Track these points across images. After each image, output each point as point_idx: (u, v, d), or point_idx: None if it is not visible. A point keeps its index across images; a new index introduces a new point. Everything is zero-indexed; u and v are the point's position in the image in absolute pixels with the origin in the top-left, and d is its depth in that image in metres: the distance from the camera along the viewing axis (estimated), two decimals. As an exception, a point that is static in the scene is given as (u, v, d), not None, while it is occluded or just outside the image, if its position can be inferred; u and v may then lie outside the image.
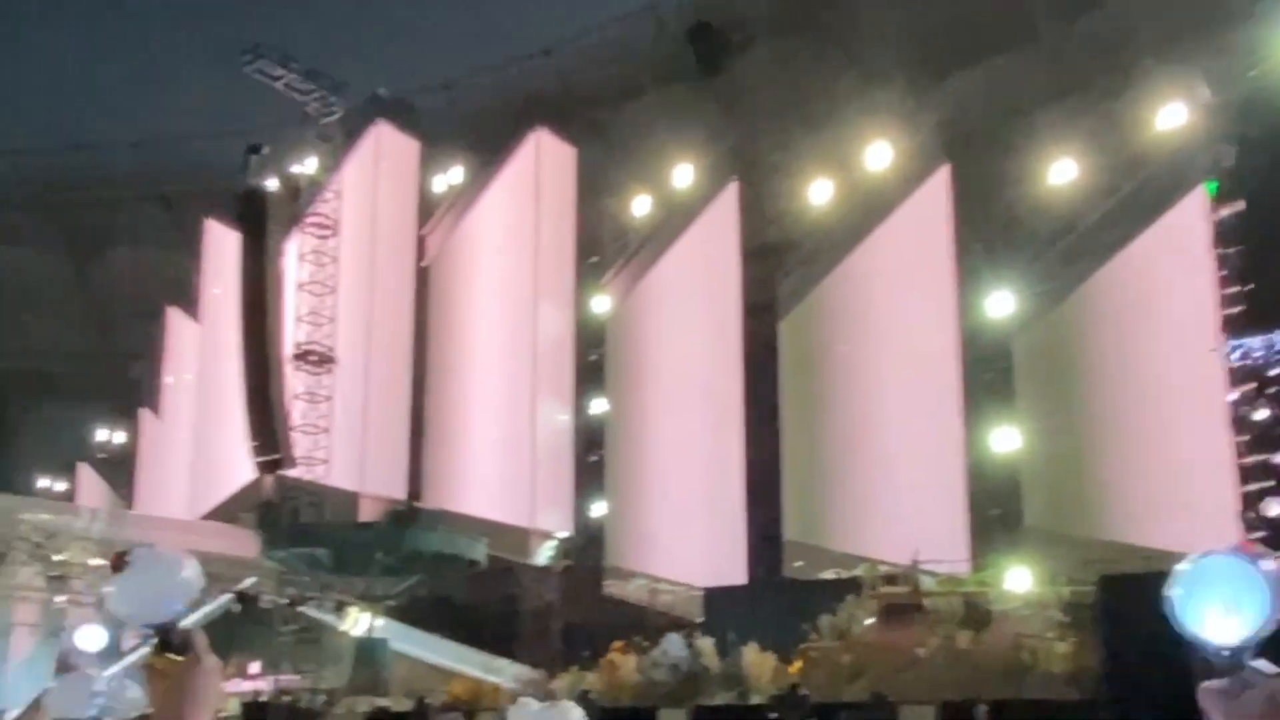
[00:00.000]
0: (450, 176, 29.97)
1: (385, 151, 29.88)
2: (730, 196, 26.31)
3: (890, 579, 18.27)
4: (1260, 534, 16.08)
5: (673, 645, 19.28)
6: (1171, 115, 22.83)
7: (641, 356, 25.19)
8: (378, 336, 27.16)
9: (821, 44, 29.14)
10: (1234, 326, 19.01)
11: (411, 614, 22.78)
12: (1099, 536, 18.47)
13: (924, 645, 17.13)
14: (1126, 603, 15.54)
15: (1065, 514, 19.25)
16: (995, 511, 19.83)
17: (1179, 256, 20.29)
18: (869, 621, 17.88)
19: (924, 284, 22.51)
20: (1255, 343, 17.92)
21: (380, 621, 22.36)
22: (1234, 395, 17.59)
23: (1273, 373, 17.44)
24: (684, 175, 27.24)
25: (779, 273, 25.02)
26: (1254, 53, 22.86)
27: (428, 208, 29.52)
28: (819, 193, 25.52)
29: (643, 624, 20.45)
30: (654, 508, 23.49)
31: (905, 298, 22.61)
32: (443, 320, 27.19)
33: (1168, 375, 18.84)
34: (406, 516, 23.39)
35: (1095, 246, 21.44)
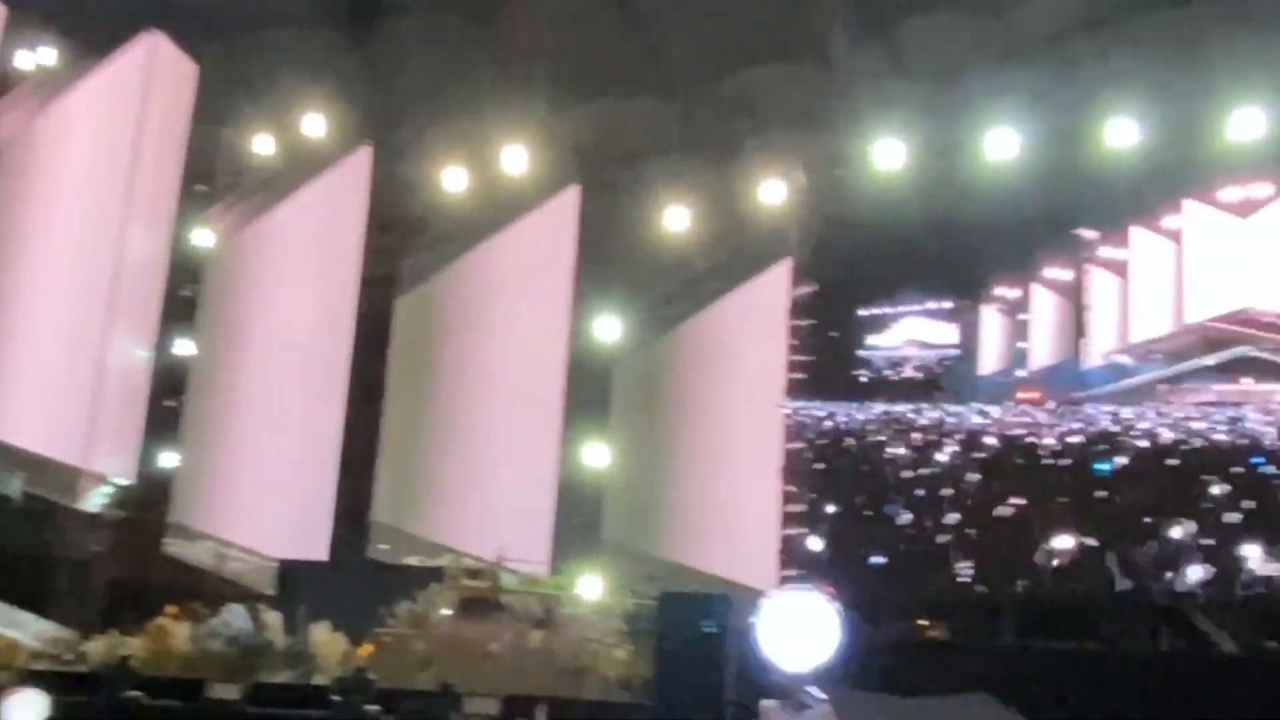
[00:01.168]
0: (41, 56, 26.36)
1: (-45, 3, 25.57)
2: (362, 160, 25.64)
3: (473, 573, 18.91)
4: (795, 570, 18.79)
5: (235, 616, 18.53)
6: (772, 191, 25.28)
7: (242, 303, 23.78)
8: (-85, 215, 23.18)
9: (476, 32, 29.36)
10: (795, 390, 21.82)
11: (-86, 546, 19.68)
12: (662, 556, 20.52)
13: (498, 640, 17.94)
14: (681, 618, 17.46)
15: (636, 532, 21.05)
16: (578, 521, 21.22)
17: (762, 318, 22.90)
18: (446, 612, 18.36)
19: (541, 294, 23.47)
20: (814, 406, 20.79)
21: None
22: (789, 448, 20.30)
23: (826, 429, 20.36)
24: (315, 125, 26.15)
25: (403, 249, 24.86)
26: (843, 155, 26.12)
27: (6, 83, 25.73)
28: (452, 179, 25.65)
29: (205, 590, 19.40)
30: (234, 467, 22.27)
31: (522, 302, 23.44)
32: (7, 214, 23.78)
33: (738, 422, 21.33)
34: (-79, 432, 20.21)
35: (695, 294, 23.68)
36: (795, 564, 18.66)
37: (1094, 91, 22.66)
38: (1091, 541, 22.24)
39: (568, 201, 25.12)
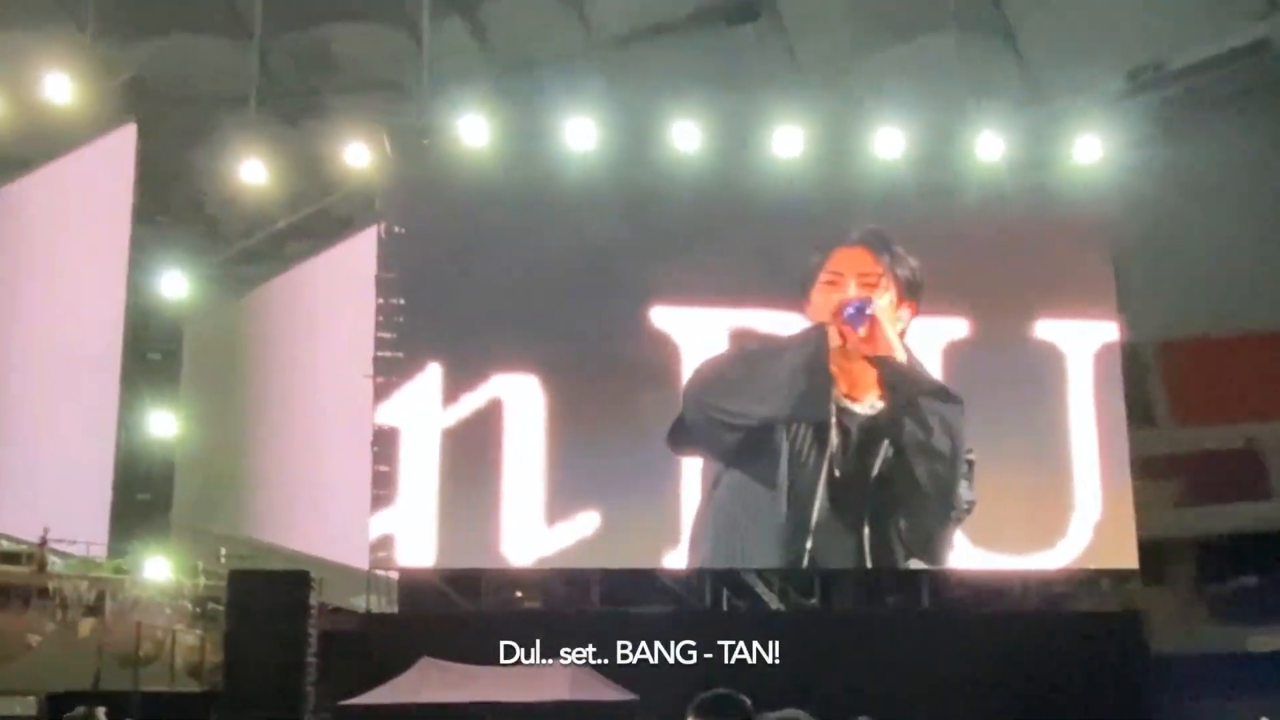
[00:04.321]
0: None
1: None
2: None
3: (11, 557, 16.37)
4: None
5: None
6: (356, 154, 24.02)
7: None
8: None
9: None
10: (383, 367, 20.70)
11: None
12: (245, 534, 18.94)
13: (40, 632, 15.73)
14: (253, 598, 16.39)
15: (214, 507, 19.24)
16: (144, 496, 18.98)
17: (348, 284, 21.90)
18: (-23, 602, 15.79)
19: (93, 241, 20.76)
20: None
21: None
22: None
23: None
24: None
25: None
26: (429, 127, 25.14)
27: None
28: (-16, 102, 21.90)
29: None
30: None
31: (70, 249, 20.57)
32: None
33: (331, 392, 20.26)
34: None
35: (276, 253, 22.17)
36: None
37: (661, 93, 23.78)
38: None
39: (124, 140, 22.44)
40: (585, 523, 18.86)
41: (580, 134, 22.26)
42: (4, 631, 15.52)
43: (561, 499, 18.81)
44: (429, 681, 16.46)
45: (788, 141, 21.45)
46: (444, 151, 23.35)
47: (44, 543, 16.53)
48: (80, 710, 14.16)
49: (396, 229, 22.13)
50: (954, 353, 19.96)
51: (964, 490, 18.74)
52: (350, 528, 18.10)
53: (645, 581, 19.24)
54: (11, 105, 22.02)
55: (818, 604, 19.85)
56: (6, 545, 16.57)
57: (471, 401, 19.33)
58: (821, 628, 19.10)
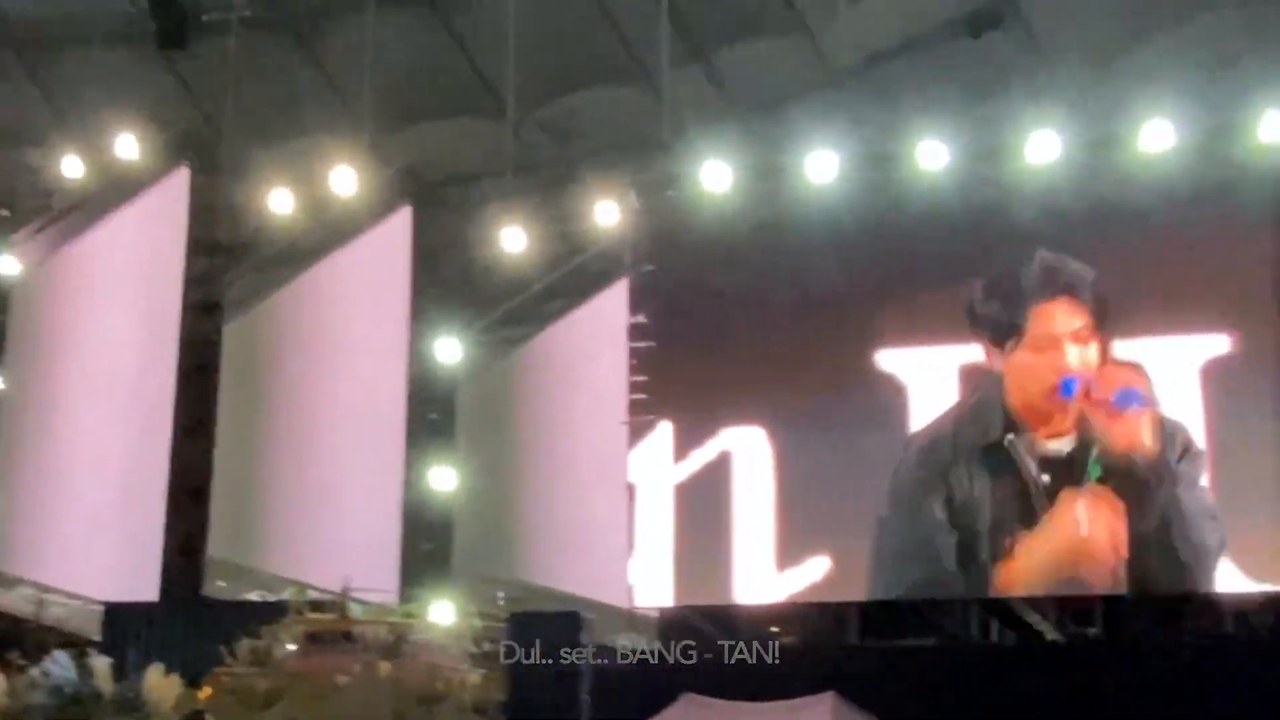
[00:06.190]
0: None
1: None
2: (179, 182, 24.64)
3: (318, 605, 18.28)
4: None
5: (57, 665, 17.37)
6: (606, 212, 25.15)
7: (54, 332, 22.43)
8: None
9: (295, 51, 28.49)
10: (637, 409, 21.76)
11: None
12: (516, 577, 20.43)
13: (347, 673, 17.39)
14: (529, 637, 17.51)
15: (488, 554, 20.85)
16: (427, 546, 20.85)
17: (602, 336, 23.07)
18: (291, 647, 17.69)
19: (378, 316, 23.06)
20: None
21: None
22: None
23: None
24: (128, 146, 24.96)
25: (228, 274, 23.98)
26: (674, 178, 25.93)
27: None
28: (278, 201, 24.86)
29: (24, 640, 18.12)
30: (50, 506, 20.89)
31: (358, 326, 22.95)
32: None
33: (590, 440, 21.47)
34: None
35: (537, 314, 23.72)
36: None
37: (908, 116, 23.44)
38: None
39: (400, 222, 24.79)
40: (815, 567, 19.27)
41: (821, 167, 22.35)
42: (317, 673, 17.31)
43: (792, 545, 19.17)
44: (692, 718, 16.95)
45: (1042, 148, 20.47)
46: (688, 200, 24.11)
47: (345, 592, 18.37)
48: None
49: (642, 279, 23.20)
50: (1213, 371, 18.49)
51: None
52: (609, 568, 19.00)
53: (909, 615, 18.94)
54: (304, 202, 24.92)
55: (1099, 633, 18.76)
56: (314, 595, 18.54)
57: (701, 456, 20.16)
58: (1109, 660, 17.97)
